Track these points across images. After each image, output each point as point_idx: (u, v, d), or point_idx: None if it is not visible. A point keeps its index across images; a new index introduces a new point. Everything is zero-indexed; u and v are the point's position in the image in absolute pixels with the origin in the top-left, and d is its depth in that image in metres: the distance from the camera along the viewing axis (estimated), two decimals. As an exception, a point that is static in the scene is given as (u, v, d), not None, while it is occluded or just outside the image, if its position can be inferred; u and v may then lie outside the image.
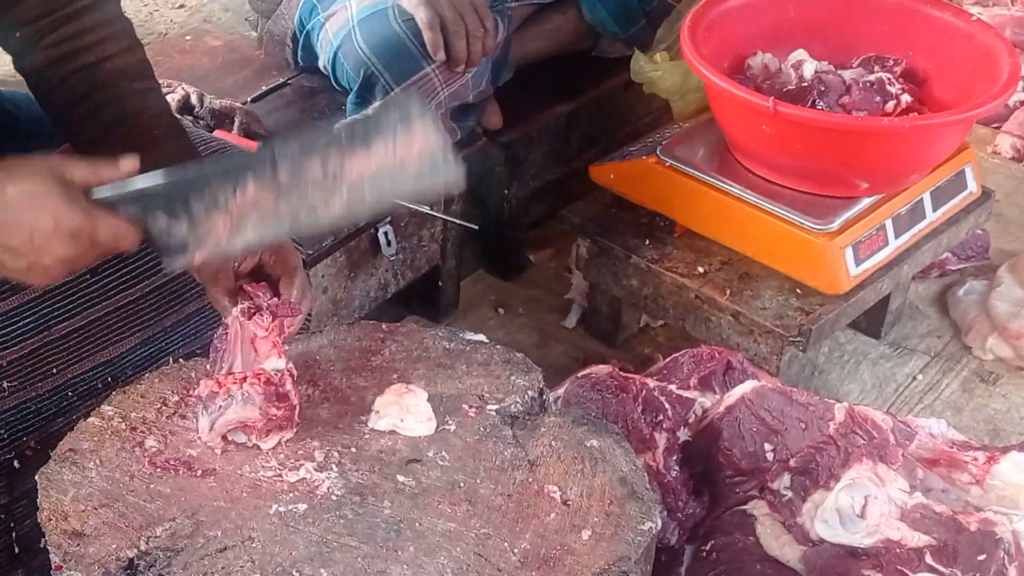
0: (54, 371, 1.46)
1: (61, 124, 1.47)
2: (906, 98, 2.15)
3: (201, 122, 2.13)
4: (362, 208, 1.17)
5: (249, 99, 2.34)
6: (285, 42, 2.38)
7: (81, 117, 1.43)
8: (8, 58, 1.50)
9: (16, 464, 1.45)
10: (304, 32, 2.26)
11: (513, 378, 1.47)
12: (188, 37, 2.63)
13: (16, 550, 1.49)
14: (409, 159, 1.13)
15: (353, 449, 1.36)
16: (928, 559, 1.56)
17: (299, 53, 2.32)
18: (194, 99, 2.20)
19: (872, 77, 2.18)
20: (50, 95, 1.46)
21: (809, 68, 2.24)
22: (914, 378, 2.40)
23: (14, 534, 1.49)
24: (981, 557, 1.54)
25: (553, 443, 1.38)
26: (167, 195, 1.15)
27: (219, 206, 1.15)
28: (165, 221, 1.16)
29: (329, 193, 1.14)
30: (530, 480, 1.33)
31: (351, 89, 2.14)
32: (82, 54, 1.43)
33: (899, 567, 1.56)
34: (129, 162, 1.21)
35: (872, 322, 2.45)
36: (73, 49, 1.43)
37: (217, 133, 2.07)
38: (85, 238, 1.18)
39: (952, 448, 1.72)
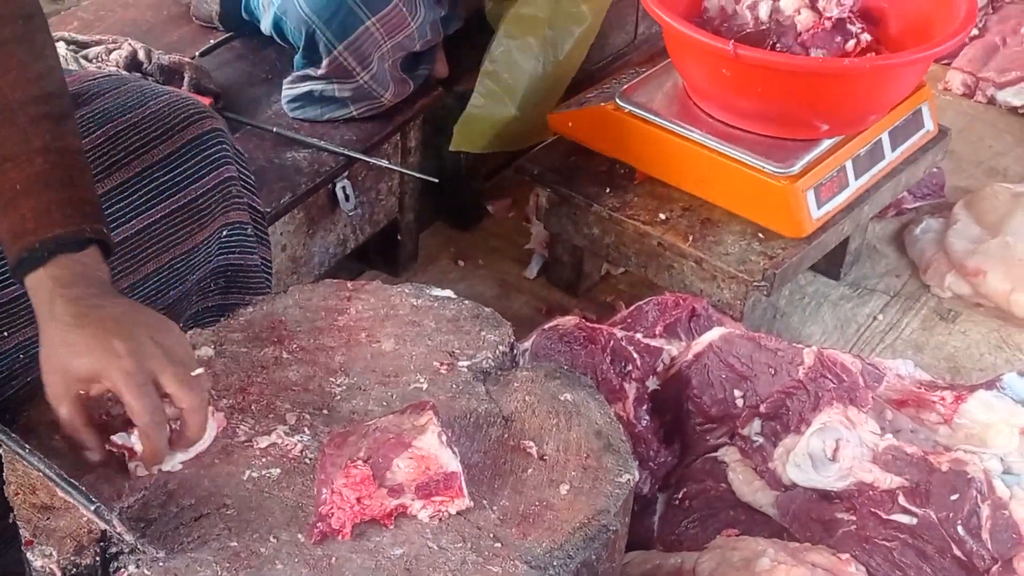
0: (5, 334, 1.43)
1: None
2: (866, 37, 2.14)
3: (150, 79, 2.06)
4: None
5: (197, 53, 2.29)
6: (213, 23, 2.36)
7: None
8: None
9: None
10: None
11: (483, 333, 1.45)
12: (131, -10, 2.55)
13: None
14: None
15: (325, 411, 1.34)
16: (901, 500, 1.56)
17: (241, 15, 2.27)
18: (141, 55, 2.13)
19: (832, 15, 2.16)
20: None
21: (764, 8, 2.22)
22: (875, 318, 2.41)
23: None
24: (954, 497, 1.54)
25: (527, 398, 1.36)
26: None
27: None
28: None
29: None
30: (506, 436, 1.31)
31: (298, 48, 2.10)
32: None
33: (872, 509, 1.57)
34: None
35: (832, 264, 2.46)
36: None
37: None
38: None
39: (920, 388, 1.72)
